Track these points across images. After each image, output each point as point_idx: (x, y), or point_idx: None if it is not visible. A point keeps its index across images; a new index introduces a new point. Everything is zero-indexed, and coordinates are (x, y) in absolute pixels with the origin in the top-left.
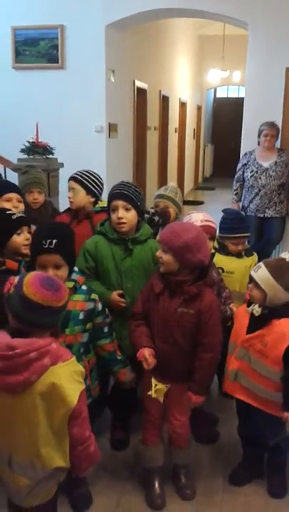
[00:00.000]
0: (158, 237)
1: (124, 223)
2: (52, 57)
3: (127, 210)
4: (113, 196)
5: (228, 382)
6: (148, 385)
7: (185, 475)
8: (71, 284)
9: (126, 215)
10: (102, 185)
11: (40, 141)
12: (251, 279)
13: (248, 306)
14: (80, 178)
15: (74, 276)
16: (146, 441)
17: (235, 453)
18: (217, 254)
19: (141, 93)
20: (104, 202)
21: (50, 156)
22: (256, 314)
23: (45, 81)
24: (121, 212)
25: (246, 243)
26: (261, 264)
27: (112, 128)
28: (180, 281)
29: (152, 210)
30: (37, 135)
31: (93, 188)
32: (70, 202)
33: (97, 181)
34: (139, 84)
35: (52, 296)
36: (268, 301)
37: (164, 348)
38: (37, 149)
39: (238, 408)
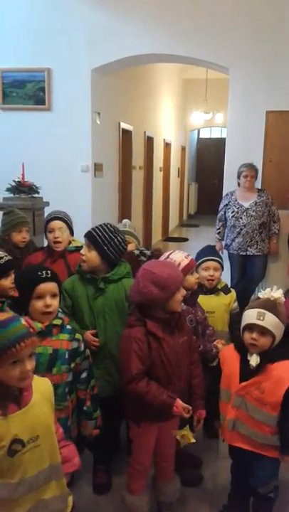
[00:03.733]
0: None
1: (84, 261)
2: (39, 99)
3: (89, 249)
4: (85, 234)
5: (226, 432)
6: (134, 430)
7: None
8: (59, 322)
9: (86, 254)
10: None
11: (26, 180)
12: (253, 329)
13: (238, 350)
14: (65, 218)
15: (60, 314)
16: (134, 491)
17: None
18: None
19: (126, 134)
20: (77, 241)
21: (36, 195)
22: (255, 364)
23: (31, 122)
24: (83, 250)
25: (219, 273)
26: (263, 311)
27: (97, 168)
28: (180, 313)
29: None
30: (23, 174)
31: (72, 227)
32: (58, 242)
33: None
34: (124, 125)
35: None
36: (274, 343)
37: (180, 385)
38: (23, 188)
39: (232, 453)
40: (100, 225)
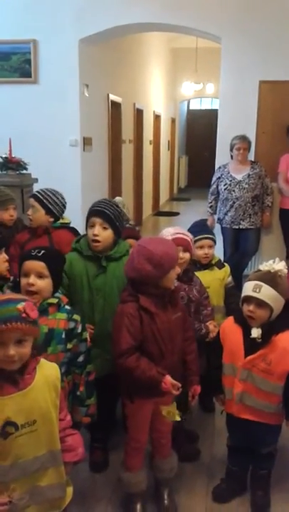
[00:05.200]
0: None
1: (98, 242)
2: (24, 72)
3: (104, 228)
4: (92, 213)
5: (233, 405)
6: (129, 406)
7: (168, 495)
8: (55, 300)
9: (102, 234)
10: (64, 205)
11: (13, 156)
12: (250, 301)
13: (239, 323)
14: (40, 197)
15: (58, 294)
16: (131, 468)
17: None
18: None
19: (115, 106)
20: (66, 219)
21: (24, 171)
22: (259, 337)
23: (18, 96)
24: (97, 230)
25: (213, 249)
26: (259, 283)
27: (86, 142)
28: (173, 289)
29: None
30: (10, 151)
31: (53, 209)
32: (29, 219)
33: (58, 202)
34: (113, 97)
35: None
36: (273, 316)
37: (173, 360)
38: (10, 165)
39: (230, 422)
40: (106, 202)
